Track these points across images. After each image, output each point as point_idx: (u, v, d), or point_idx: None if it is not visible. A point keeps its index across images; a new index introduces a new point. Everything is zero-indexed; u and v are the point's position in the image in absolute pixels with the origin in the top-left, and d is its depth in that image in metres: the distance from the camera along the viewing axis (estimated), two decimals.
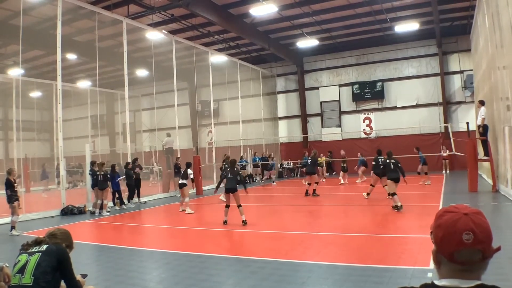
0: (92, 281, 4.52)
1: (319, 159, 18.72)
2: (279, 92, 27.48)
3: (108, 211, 12.36)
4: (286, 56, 24.38)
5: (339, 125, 25.24)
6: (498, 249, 1.20)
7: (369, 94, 24.18)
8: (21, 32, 12.11)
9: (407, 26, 19.69)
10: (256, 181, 22.30)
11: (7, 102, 24.32)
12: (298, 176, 24.50)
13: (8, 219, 9.88)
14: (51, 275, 2.82)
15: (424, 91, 23.00)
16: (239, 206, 9.03)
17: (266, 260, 5.98)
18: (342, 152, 19.93)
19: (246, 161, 22.12)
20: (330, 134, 24.86)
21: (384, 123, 23.38)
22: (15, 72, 19.31)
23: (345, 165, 18.89)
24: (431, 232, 1.26)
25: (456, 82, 22.46)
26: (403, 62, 23.66)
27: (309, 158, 14.66)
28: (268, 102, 26.52)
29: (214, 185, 18.44)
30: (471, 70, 21.07)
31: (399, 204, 9.78)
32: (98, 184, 12.21)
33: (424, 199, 12.17)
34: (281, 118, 27.35)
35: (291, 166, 25.45)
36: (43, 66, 21.74)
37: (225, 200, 13.26)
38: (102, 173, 12.34)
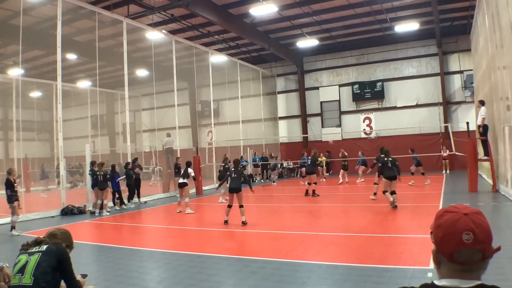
0: (92, 281, 4.52)
1: (319, 159, 18.72)
2: (279, 92, 27.49)
3: (108, 211, 12.36)
4: (286, 56, 24.38)
5: (339, 125, 25.25)
6: (498, 249, 1.20)
7: (369, 94, 24.18)
8: (21, 32, 12.11)
9: (407, 26, 19.69)
10: (256, 181, 22.29)
11: (7, 102, 24.32)
12: (298, 176, 24.49)
13: (8, 219, 9.89)
14: (51, 275, 2.82)
15: (424, 91, 23.00)
16: (240, 206, 9.03)
17: (266, 260, 5.98)
18: (342, 151, 19.87)
19: (247, 161, 22.12)
20: (330, 134, 24.87)
21: (384, 123, 23.39)
22: (15, 72, 19.30)
23: (346, 163, 18.85)
24: (431, 232, 1.26)
25: (456, 82, 22.47)
26: (403, 62, 23.66)
27: (309, 158, 14.66)
28: (268, 102, 26.53)
29: (214, 185, 18.51)
30: (471, 70, 21.07)
31: (391, 199, 10.20)
32: (98, 184, 12.21)
33: (424, 199, 12.17)
34: (281, 118, 27.35)
35: (291, 166, 25.45)
36: (43, 66, 21.74)
37: (224, 201, 13.33)
38: (102, 173, 12.33)
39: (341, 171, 18.72)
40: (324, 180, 20.27)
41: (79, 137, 23.17)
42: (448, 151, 18.18)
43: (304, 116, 26.07)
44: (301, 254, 6.32)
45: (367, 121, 24.49)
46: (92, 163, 12.91)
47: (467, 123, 13.81)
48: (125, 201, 13.73)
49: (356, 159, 19.06)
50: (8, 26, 15.76)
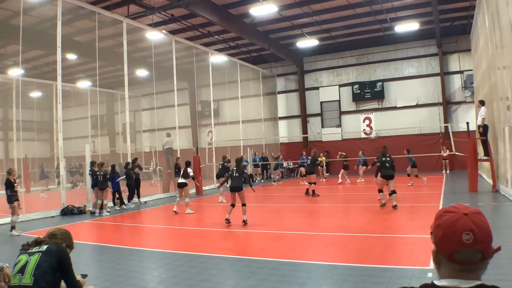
0: (92, 281, 4.52)
1: (319, 158, 18.70)
2: (279, 92, 27.49)
3: (108, 211, 12.35)
4: (286, 56, 24.38)
5: (339, 125, 25.25)
6: (498, 249, 1.20)
7: (369, 94, 24.18)
8: (21, 32, 12.11)
9: (407, 26, 19.69)
10: (256, 181, 22.30)
11: (7, 102, 24.35)
12: (298, 176, 24.50)
13: (8, 219, 9.89)
14: (51, 275, 2.82)
15: (424, 91, 23.00)
16: (243, 205, 9.05)
17: (266, 260, 5.98)
18: (340, 153, 19.79)
19: (247, 161, 22.13)
20: (330, 134, 24.87)
21: (384, 123, 23.39)
22: (15, 72, 19.31)
23: (346, 163, 18.81)
24: (431, 232, 1.26)
25: (456, 82, 22.47)
26: (403, 62, 23.66)
27: (309, 158, 14.66)
28: (268, 102, 26.53)
29: (214, 185, 18.51)
30: (471, 70, 21.07)
31: (383, 201, 10.44)
32: (98, 184, 12.21)
33: (424, 199, 12.17)
34: (281, 118, 27.35)
35: (291, 166, 25.46)
36: (43, 66, 21.73)
37: (224, 201, 13.34)
38: (102, 173, 12.33)
39: (342, 170, 18.70)
40: (324, 180, 20.26)
41: (79, 137, 23.19)
42: (448, 151, 18.19)
43: (304, 116, 26.07)
44: (301, 254, 6.32)
45: (367, 121, 24.49)
46: (92, 163, 12.91)
47: (467, 123, 13.82)
48: (125, 201, 13.73)
49: (356, 159, 19.08)
50: (8, 26, 15.77)
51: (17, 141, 17.51)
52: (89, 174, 13.22)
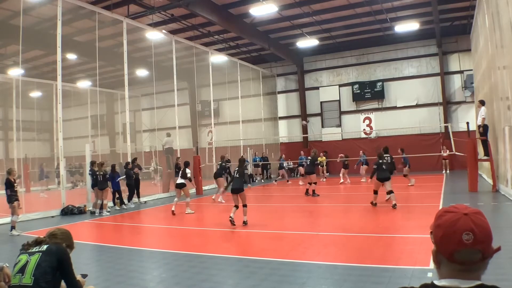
0: (92, 281, 4.52)
1: (319, 158, 18.70)
2: (279, 92, 27.48)
3: (108, 211, 12.36)
4: (286, 56, 24.38)
5: (339, 125, 25.25)
6: (498, 249, 1.20)
7: (369, 94, 24.18)
8: (21, 32, 12.11)
9: (407, 26, 19.68)
10: (256, 181, 22.30)
11: (7, 102, 24.34)
12: (298, 176, 24.49)
13: (8, 219, 9.89)
14: (51, 275, 2.82)
15: (424, 91, 23.00)
16: (244, 205, 9.05)
17: (266, 260, 5.98)
18: (340, 155, 19.74)
19: (247, 161, 22.13)
20: (330, 134, 24.87)
21: (384, 123, 23.39)
22: (15, 72, 19.31)
23: (347, 162, 18.81)
24: (431, 232, 1.26)
25: (456, 82, 22.47)
26: (403, 62, 23.66)
27: (309, 158, 14.66)
28: (268, 102, 26.53)
29: (214, 185, 18.49)
30: (471, 70, 21.07)
31: (374, 202, 10.79)
32: (98, 184, 12.21)
33: (424, 199, 12.16)
34: (281, 118, 27.35)
35: (291, 166, 25.46)
36: (43, 66, 21.74)
37: (224, 202, 13.33)
38: (102, 173, 12.33)
39: (342, 169, 18.72)
40: (324, 180, 20.26)
41: (79, 137, 23.18)
42: (448, 151, 18.18)
43: (304, 116, 26.06)
44: (301, 254, 6.32)
45: (367, 121, 24.49)
46: (92, 163, 12.91)
47: (467, 123, 13.82)
48: (125, 201, 13.73)
49: (356, 159, 19.07)
50: (8, 26, 15.76)
51: (17, 141, 17.51)
52: (89, 174, 13.22)
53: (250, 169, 22.71)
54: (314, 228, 8.71)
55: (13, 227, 9.19)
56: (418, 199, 12.22)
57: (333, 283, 4.83)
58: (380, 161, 10.83)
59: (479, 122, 13.10)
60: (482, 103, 13.49)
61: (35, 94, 23.44)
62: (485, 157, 13.08)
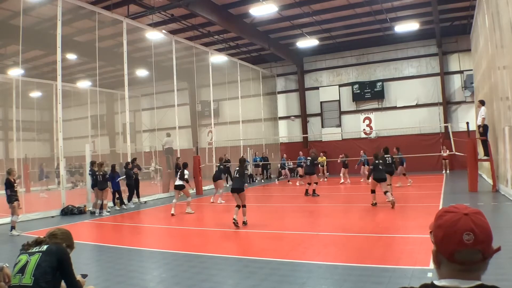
0: (92, 281, 4.52)
1: (319, 158, 18.69)
2: (279, 92, 27.48)
3: (108, 211, 12.35)
4: (286, 56, 24.38)
5: (339, 125, 25.25)
6: (498, 249, 1.20)
7: (369, 94, 24.18)
8: (21, 32, 12.11)
9: (407, 26, 19.68)
10: (256, 181, 22.30)
11: (7, 102, 24.35)
12: (297, 175, 24.49)
13: (8, 219, 9.89)
14: (51, 275, 2.82)
15: (424, 91, 23.00)
16: (243, 206, 9.04)
17: (266, 260, 5.98)
18: (341, 156, 19.73)
19: (247, 161, 22.13)
20: (330, 134, 24.87)
21: (384, 123, 23.39)
22: (15, 72, 19.31)
23: (347, 162, 18.81)
24: (431, 232, 1.26)
25: (456, 82, 22.47)
26: (403, 62, 23.66)
27: (308, 158, 14.65)
28: (268, 102, 26.53)
29: (213, 186, 18.48)
30: (471, 70, 21.07)
31: (373, 201, 10.88)
32: (98, 184, 12.21)
33: (424, 199, 12.16)
34: (281, 118, 27.35)
35: (291, 166, 25.45)
36: (43, 66, 21.75)
37: (223, 202, 13.32)
38: (102, 173, 12.33)
39: (342, 169, 18.72)
40: (325, 179, 20.26)
41: (79, 137, 23.19)
42: (448, 151, 18.18)
43: (304, 116, 26.07)
44: (301, 254, 6.32)
45: (367, 121, 24.49)
46: (92, 163, 12.91)
47: (467, 123, 13.82)
48: (125, 201, 13.72)
49: (357, 159, 19.06)
50: (8, 26, 15.77)
51: (17, 141, 17.50)
52: (89, 174, 13.22)
53: (250, 169, 22.71)
54: (314, 228, 8.70)
55: (13, 227, 9.19)
56: (418, 199, 12.23)
57: (333, 283, 4.83)
58: (377, 161, 10.94)
59: (479, 122, 13.10)
60: (482, 103, 13.49)
61: (35, 94, 23.44)
62: (485, 157, 13.08)
